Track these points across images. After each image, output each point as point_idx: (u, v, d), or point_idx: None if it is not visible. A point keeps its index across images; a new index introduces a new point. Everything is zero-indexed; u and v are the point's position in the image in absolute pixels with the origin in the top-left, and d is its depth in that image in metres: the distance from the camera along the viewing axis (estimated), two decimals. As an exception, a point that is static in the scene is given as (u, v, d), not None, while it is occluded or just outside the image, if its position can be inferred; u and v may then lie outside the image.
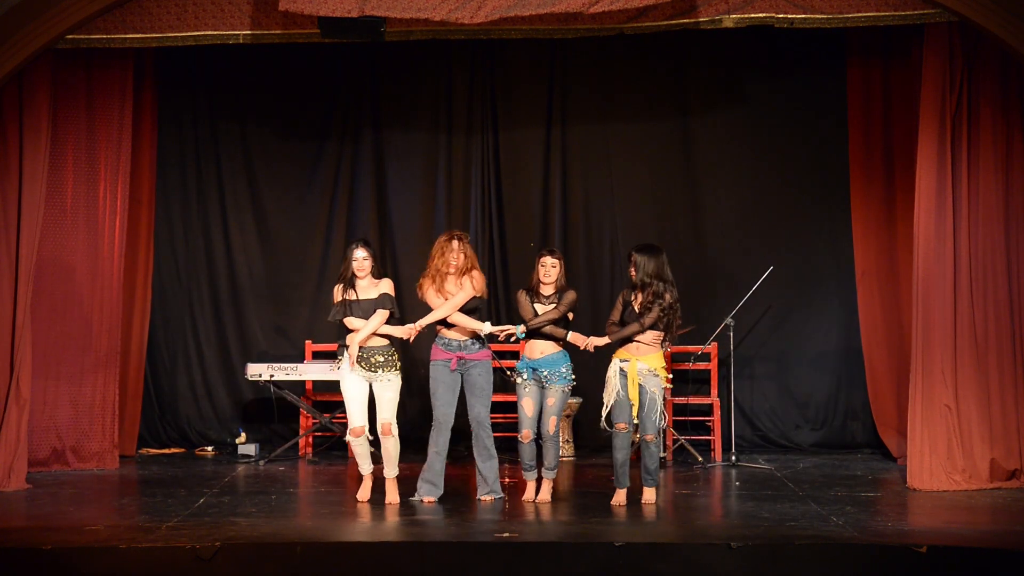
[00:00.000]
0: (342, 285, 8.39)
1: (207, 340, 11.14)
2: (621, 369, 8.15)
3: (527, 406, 8.34)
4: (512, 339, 8.44)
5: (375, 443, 8.40)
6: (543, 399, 8.33)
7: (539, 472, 8.43)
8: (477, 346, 8.37)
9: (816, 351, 10.92)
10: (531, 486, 8.42)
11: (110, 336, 9.90)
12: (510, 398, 10.68)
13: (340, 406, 10.52)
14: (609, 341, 8.25)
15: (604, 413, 8.24)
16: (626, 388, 8.14)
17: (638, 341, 8.15)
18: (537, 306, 8.34)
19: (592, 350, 8.34)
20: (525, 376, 8.33)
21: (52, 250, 9.65)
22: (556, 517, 7.95)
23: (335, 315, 8.39)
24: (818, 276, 10.94)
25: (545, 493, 8.38)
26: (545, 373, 8.28)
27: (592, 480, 9.30)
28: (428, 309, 8.43)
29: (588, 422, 10.53)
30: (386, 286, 8.40)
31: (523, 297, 8.42)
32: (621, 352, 8.19)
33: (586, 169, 11.15)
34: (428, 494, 8.34)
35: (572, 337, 8.29)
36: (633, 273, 8.22)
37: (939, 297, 8.96)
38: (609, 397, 8.18)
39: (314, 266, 11.13)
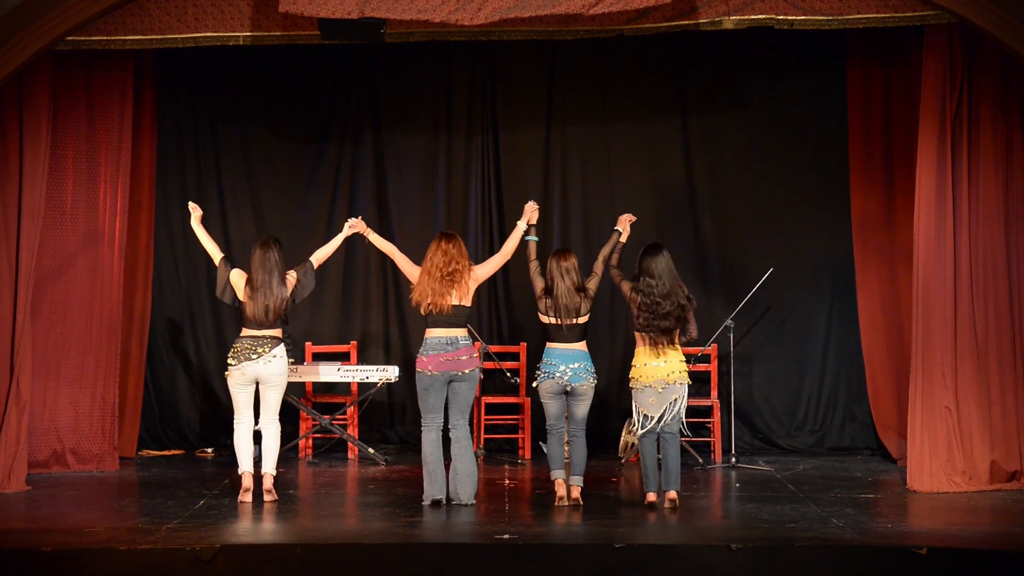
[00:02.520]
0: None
1: (207, 341, 11.13)
2: None
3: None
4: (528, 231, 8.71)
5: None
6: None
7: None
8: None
9: (816, 352, 10.91)
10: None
11: (110, 337, 9.89)
12: (510, 399, 10.72)
13: (340, 407, 10.53)
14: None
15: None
16: None
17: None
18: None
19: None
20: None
21: (52, 251, 9.64)
22: (556, 519, 7.94)
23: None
24: (817, 277, 10.92)
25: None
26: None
27: (592, 481, 9.29)
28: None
29: (589, 423, 10.51)
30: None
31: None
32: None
33: (586, 169, 11.14)
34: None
35: (622, 221, 8.63)
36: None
37: (939, 298, 8.96)
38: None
39: (314, 267, 11.11)
